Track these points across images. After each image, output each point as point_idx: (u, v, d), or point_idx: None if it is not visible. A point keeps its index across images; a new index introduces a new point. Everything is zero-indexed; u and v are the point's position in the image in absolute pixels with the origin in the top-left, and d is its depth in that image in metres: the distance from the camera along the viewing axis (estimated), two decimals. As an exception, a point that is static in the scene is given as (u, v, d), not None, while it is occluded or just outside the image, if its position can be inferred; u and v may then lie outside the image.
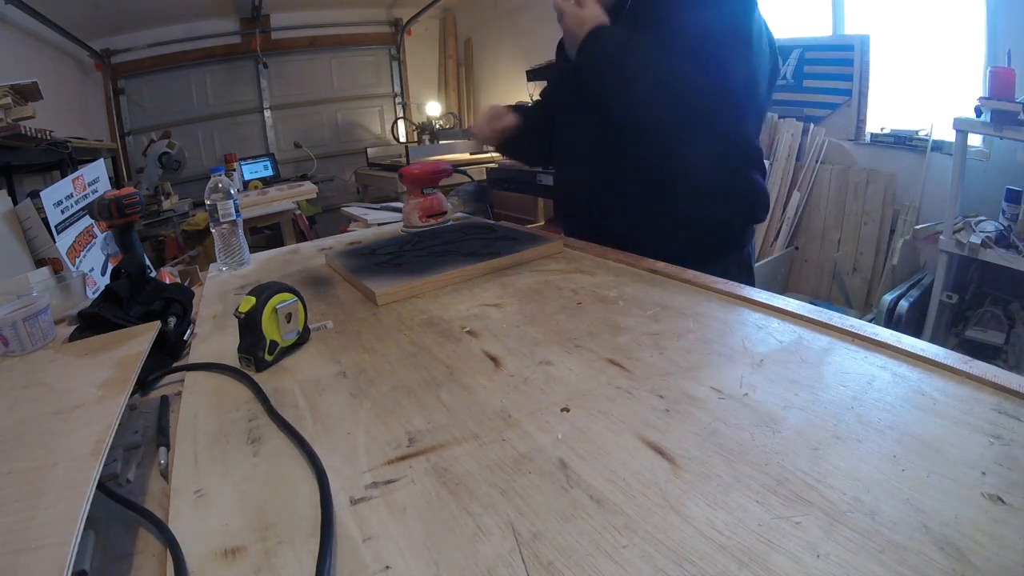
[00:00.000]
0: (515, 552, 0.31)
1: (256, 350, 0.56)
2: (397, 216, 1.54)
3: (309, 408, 0.49)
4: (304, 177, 4.03)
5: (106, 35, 3.68)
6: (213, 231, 0.98)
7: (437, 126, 4.06)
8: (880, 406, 0.41)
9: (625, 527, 0.32)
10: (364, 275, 0.80)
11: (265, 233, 3.54)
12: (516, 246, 0.89)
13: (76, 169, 1.73)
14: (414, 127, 4.21)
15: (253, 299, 0.57)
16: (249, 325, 0.56)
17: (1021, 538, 0.29)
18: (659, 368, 0.50)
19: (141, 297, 0.72)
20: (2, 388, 0.52)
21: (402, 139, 4.30)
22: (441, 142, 3.92)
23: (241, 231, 1.00)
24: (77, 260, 1.29)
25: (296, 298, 0.60)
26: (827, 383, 0.45)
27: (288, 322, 0.59)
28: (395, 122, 4.36)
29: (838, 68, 2.28)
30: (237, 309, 0.58)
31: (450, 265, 0.81)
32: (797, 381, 0.46)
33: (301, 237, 3.22)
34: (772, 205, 2.13)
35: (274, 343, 0.58)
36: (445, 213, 1.11)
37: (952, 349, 0.49)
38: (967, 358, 0.46)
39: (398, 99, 4.86)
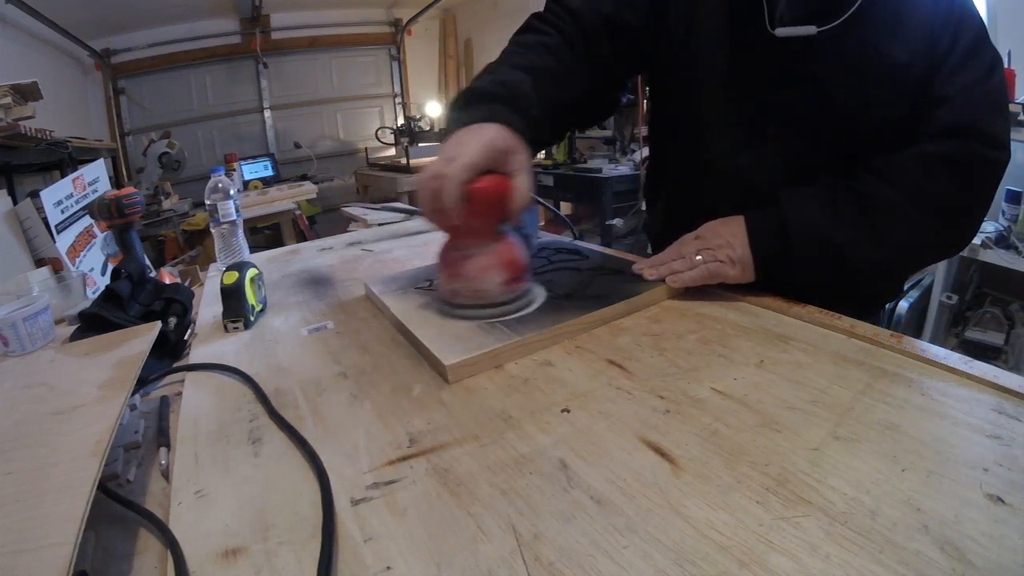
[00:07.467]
0: (516, 553, 0.31)
1: (244, 312, 0.68)
2: (399, 216, 1.40)
3: (309, 408, 0.49)
4: (304, 177, 4.03)
5: (106, 35, 3.68)
6: (213, 231, 0.98)
7: (417, 128, 3.82)
8: (880, 406, 0.41)
9: (625, 527, 0.32)
10: (422, 329, 0.57)
11: (265, 233, 3.54)
12: (624, 284, 0.64)
13: (76, 169, 1.73)
14: (391, 131, 4.05)
15: (236, 273, 0.69)
16: (236, 293, 0.68)
17: (1021, 538, 0.29)
18: (659, 369, 0.50)
19: (141, 297, 0.72)
20: (2, 388, 0.52)
21: (387, 141, 4.19)
22: (420, 145, 3.73)
23: (241, 231, 1.00)
24: (77, 260, 1.29)
25: (260, 272, 0.75)
26: (827, 383, 0.45)
27: (259, 290, 0.74)
28: (377, 130, 4.25)
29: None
30: (222, 282, 0.68)
31: (541, 313, 0.58)
32: (797, 381, 0.46)
33: (301, 237, 3.23)
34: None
35: (252, 307, 0.70)
36: (527, 271, 0.63)
37: (952, 349, 0.49)
38: (967, 358, 0.46)
39: (398, 99, 4.86)
